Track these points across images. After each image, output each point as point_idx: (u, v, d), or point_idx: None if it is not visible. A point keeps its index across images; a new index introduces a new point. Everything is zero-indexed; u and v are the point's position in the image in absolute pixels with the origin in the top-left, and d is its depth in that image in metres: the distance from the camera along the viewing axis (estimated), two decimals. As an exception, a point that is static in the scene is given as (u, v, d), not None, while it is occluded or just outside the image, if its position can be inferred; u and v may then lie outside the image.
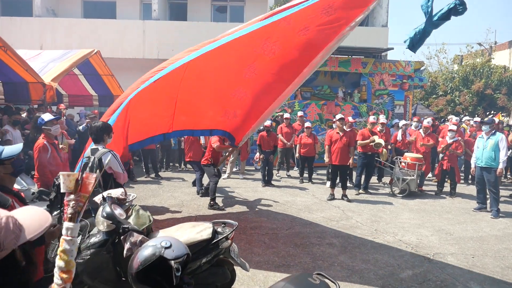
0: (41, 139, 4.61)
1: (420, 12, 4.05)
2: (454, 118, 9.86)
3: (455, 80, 17.58)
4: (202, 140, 8.97)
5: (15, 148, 2.22)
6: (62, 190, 1.62)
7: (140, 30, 14.54)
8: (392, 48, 13.32)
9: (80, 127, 8.67)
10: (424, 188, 8.69)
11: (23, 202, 2.27)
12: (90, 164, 4.05)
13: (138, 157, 10.52)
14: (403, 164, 8.22)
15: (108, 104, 11.69)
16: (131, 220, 3.16)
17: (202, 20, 15.44)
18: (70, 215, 1.58)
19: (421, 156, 8.25)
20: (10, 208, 1.97)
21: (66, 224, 1.56)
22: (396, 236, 5.49)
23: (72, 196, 1.60)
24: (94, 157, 4.03)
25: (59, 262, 1.51)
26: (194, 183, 8.35)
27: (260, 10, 15.35)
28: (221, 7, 16.39)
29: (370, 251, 4.88)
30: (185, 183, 8.85)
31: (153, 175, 9.46)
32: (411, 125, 9.95)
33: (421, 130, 8.88)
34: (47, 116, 4.77)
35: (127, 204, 3.41)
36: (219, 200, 7.00)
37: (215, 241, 3.16)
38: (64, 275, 1.49)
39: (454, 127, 8.38)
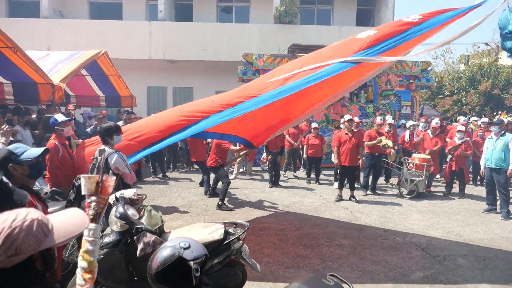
0: (52, 140, 4.64)
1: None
2: (462, 119, 9.78)
3: (462, 80, 17.47)
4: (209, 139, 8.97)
5: (35, 151, 2.25)
6: (83, 192, 1.65)
7: (146, 31, 14.58)
8: (399, 48, 13.24)
9: (88, 129, 8.71)
10: (432, 189, 8.64)
11: (42, 201, 2.29)
12: (97, 165, 4.08)
13: (145, 157, 10.56)
14: (411, 165, 8.18)
15: (115, 105, 11.80)
16: (143, 220, 3.17)
17: (208, 20, 15.46)
18: (91, 216, 1.60)
19: (429, 157, 8.20)
20: (32, 206, 1.99)
21: (89, 225, 1.57)
22: (406, 237, 5.45)
23: (93, 198, 1.62)
24: (101, 158, 4.05)
25: (82, 263, 1.52)
26: (201, 184, 8.35)
27: (265, 11, 15.34)
28: (226, 8, 16.40)
29: (380, 252, 4.85)
30: (193, 184, 8.87)
31: (160, 176, 9.49)
32: (418, 125, 9.89)
33: (429, 131, 8.83)
34: (60, 117, 4.80)
35: (138, 204, 3.43)
36: (227, 201, 6.99)
37: (226, 241, 3.16)
38: (87, 275, 1.50)
39: (463, 128, 8.32)
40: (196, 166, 10.75)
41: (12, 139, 5.49)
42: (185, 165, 11.08)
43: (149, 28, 14.63)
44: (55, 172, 4.47)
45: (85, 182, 1.63)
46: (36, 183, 4.16)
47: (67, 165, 4.57)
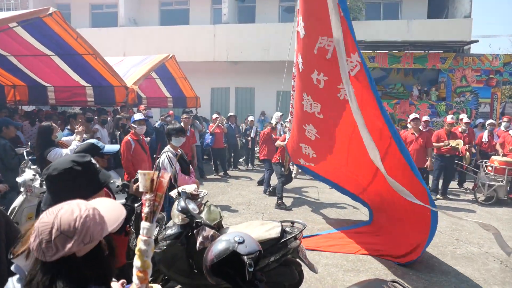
0: (128, 136, 5.06)
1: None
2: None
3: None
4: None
5: (113, 147, 2.50)
6: (140, 189, 1.57)
7: (210, 34, 15.14)
8: (477, 41, 12.07)
9: (156, 124, 9.29)
10: (515, 196, 7.74)
11: (112, 193, 2.50)
12: (156, 163, 4.39)
13: (208, 156, 10.97)
14: (489, 168, 7.42)
15: (181, 105, 12.43)
16: (203, 215, 3.29)
17: (270, 21, 15.58)
18: (145, 215, 1.51)
19: (512, 160, 7.35)
20: (107, 195, 2.19)
21: (143, 224, 1.50)
22: (482, 247, 4.96)
23: (147, 196, 1.52)
24: (160, 157, 4.34)
25: (136, 262, 1.47)
26: (259, 183, 8.47)
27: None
28: (289, 8, 16.37)
29: (450, 262, 4.47)
30: (253, 182, 9.00)
31: (221, 173, 9.78)
32: (499, 124, 8.93)
33: (511, 131, 7.92)
34: (137, 116, 5.21)
35: (199, 199, 3.57)
36: (286, 200, 6.98)
37: (283, 240, 3.15)
38: (140, 275, 1.43)
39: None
40: (256, 165, 10.95)
41: (85, 137, 6.08)
42: (243, 163, 11.29)
43: (214, 31, 15.16)
44: (127, 164, 4.87)
45: (141, 179, 1.54)
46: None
47: (140, 159, 4.93)
